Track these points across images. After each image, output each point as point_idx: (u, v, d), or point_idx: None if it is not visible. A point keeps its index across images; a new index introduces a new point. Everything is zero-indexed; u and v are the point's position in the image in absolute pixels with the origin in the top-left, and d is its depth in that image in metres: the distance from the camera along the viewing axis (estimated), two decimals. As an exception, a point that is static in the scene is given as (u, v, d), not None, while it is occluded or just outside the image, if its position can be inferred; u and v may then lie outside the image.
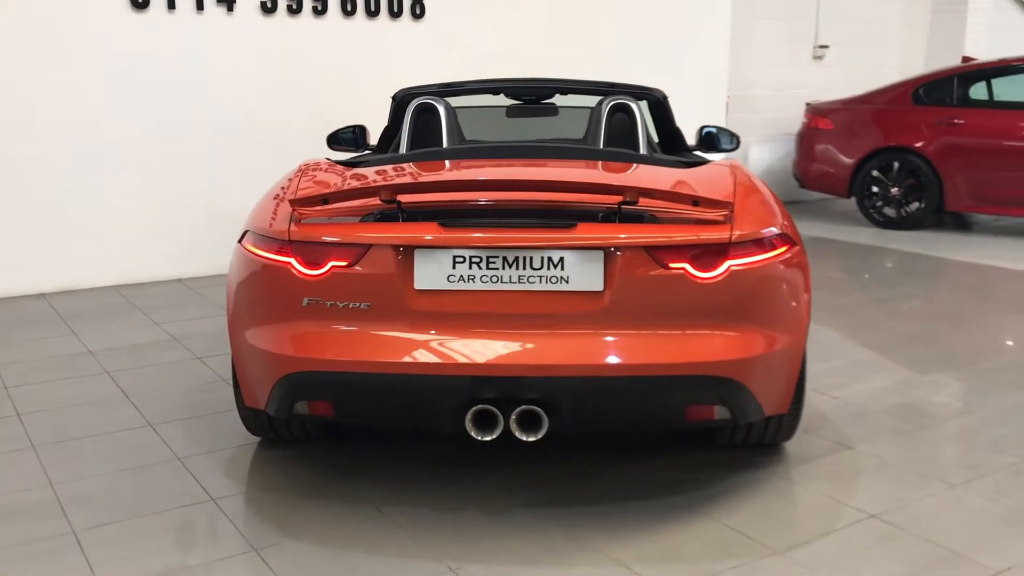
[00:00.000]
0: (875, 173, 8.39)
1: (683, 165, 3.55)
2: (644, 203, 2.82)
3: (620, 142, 3.82)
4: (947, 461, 3.43)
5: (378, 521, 2.99)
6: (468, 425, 2.85)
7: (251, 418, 3.37)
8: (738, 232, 2.83)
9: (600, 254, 2.77)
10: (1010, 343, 5.06)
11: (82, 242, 6.17)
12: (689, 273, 2.78)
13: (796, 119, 9.32)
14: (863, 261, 7.21)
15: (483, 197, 2.87)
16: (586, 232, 2.77)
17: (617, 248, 2.76)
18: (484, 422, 2.84)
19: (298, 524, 2.98)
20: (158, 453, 3.53)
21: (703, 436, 3.50)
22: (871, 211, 8.49)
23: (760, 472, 3.33)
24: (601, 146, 3.77)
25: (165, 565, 2.74)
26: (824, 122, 8.75)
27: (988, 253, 7.30)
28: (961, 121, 8.00)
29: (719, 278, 2.80)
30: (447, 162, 3.48)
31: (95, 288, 6.21)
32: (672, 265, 2.77)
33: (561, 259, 2.78)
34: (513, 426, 2.83)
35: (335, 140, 4.96)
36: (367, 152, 4.96)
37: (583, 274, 2.78)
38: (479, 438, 2.86)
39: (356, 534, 2.91)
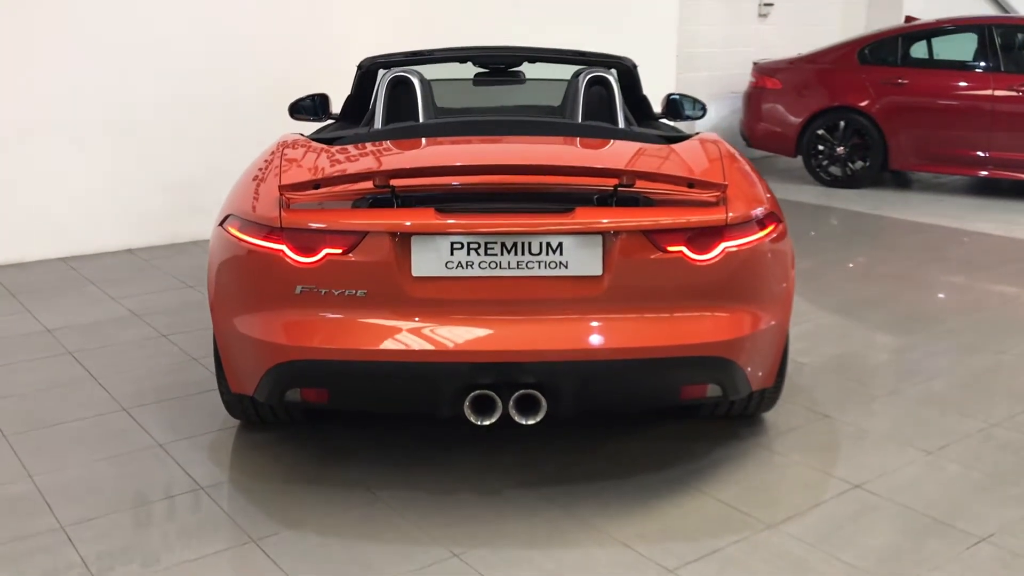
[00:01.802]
0: (821, 132, 8.52)
1: (663, 140, 3.56)
2: (640, 185, 2.82)
3: (598, 115, 3.81)
4: (921, 427, 3.55)
5: (375, 507, 2.99)
6: (466, 410, 2.85)
7: (235, 403, 3.32)
8: (732, 214, 2.85)
9: (599, 239, 2.77)
10: (964, 304, 5.22)
11: (27, 213, 5.96)
12: (686, 256, 2.80)
13: (741, 77, 9.38)
14: (813, 221, 7.34)
15: (479, 181, 2.84)
16: (585, 217, 2.76)
17: (616, 232, 2.76)
18: (483, 407, 2.85)
19: (294, 512, 2.95)
20: (137, 439, 3.46)
21: (686, 408, 3.56)
22: (817, 170, 8.62)
23: (744, 443, 3.40)
24: (579, 120, 3.75)
25: (165, 560, 2.70)
26: (772, 81, 8.83)
27: (932, 211, 7.49)
28: (905, 81, 8.15)
29: (714, 260, 2.83)
30: (436, 143, 3.42)
31: (43, 261, 6.01)
32: (670, 248, 2.79)
33: (560, 244, 2.77)
34: (512, 410, 2.84)
35: (296, 109, 4.83)
36: (330, 122, 4.85)
37: (582, 259, 2.78)
38: (477, 422, 2.86)
39: (355, 521, 2.90)
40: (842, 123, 8.40)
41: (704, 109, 4.91)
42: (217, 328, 3.13)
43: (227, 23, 6.42)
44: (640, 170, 2.79)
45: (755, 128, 9.04)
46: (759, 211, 2.99)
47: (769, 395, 3.36)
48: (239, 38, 6.48)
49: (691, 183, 2.84)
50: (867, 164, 8.37)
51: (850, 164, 8.45)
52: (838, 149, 8.46)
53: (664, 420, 3.54)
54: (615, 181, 2.81)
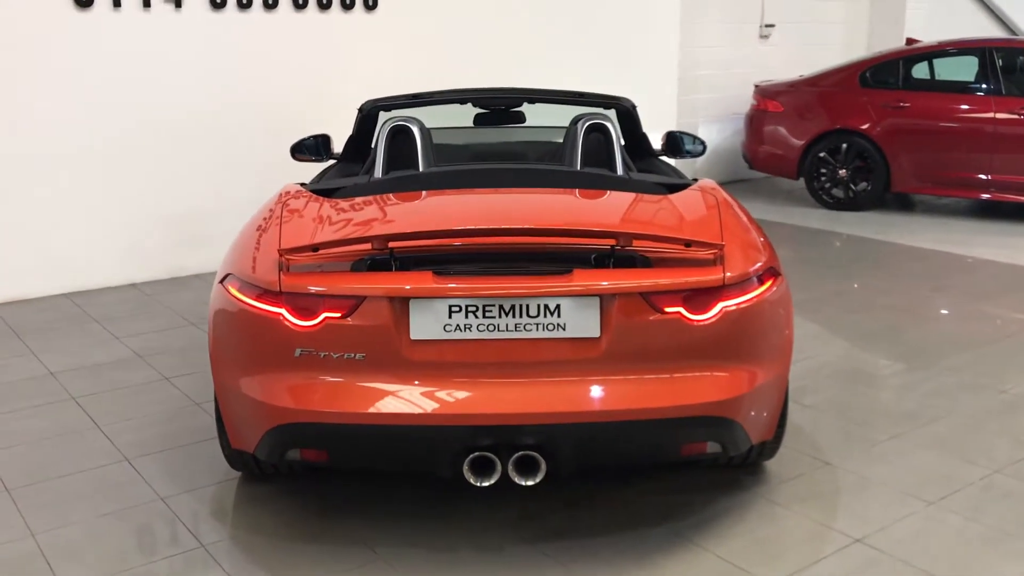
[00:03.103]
0: (823, 155, 8.52)
1: (662, 188, 3.57)
2: (637, 245, 2.83)
3: (597, 160, 3.82)
4: (922, 475, 3.54)
5: (375, 565, 2.99)
6: (466, 471, 2.85)
7: (236, 457, 3.33)
8: (729, 273, 2.86)
9: (596, 300, 2.78)
10: (966, 337, 5.21)
11: (29, 249, 5.98)
12: (684, 316, 2.81)
13: (743, 98, 9.41)
14: (816, 248, 7.34)
15: (477, 242, 2.85)
16: (583, 279, 2.77)
17: (614, 294, 2.77)
18: (482, 468, 2.85)
19: (293, 571, 2.96)
20: (139, 493, 3.47)
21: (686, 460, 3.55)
22: (819, 192, 8.63)
23: (745, 494, 3.40)
24: (578, 167, 3.76)
25: (165, 625, 2.71)
26: (773, 104, 8.84)
27: (936, 237, 7.48)
28: (906, 104, 8.16)
29: (712, 319, 2.83)
30: (434, 197, 3.43)
31: (45, 297, 6.03)
32: (667, 309, 2.79)
33: (558, 306, 2.78)
34: (511, 471, 2.84)
35: (298, 149, 4.86)
36: (332, 162, 4.87)
37: (580, 320, 2.79)
38: (477, 483, 2.87)
39: (354, 582, 2.91)
40: (844, 146, 8.41)
41: (704, 145, 4.93)
42: (217, 385, 3.14)
43: (226, 55, 6.44)
44: (637, 231, 2.80)
45: (757, 151, 9.05)
46: (757, 267, 3.00)
47: (770, 446, 3.36)
48: (239, 70, 6.50)
49: (688, 243, 2.85)
50: (869, 187, 8.37)
51: (852, 186, 8.45)
52: (840, 172, 8.47)
53: (664, 470, 3.54)
54: (612, 242, 2.82)
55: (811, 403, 4.20)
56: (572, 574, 2.93)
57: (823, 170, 8.56)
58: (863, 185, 8.41)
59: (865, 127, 8.29)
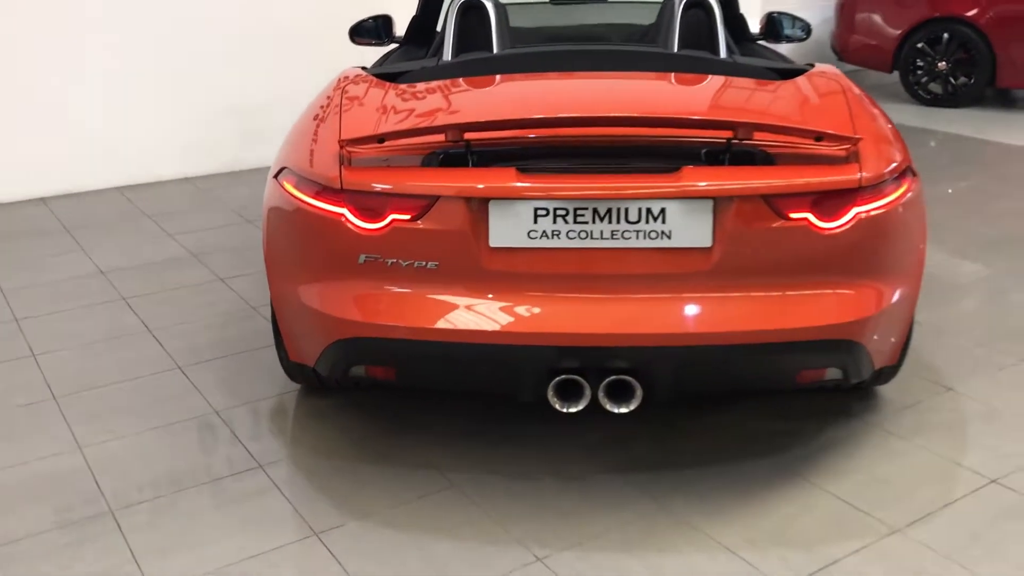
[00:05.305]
0: (921, 45, 7.82)
1: (774, 74, 3.10)
2: (758, 138, 2.40)
3: (696, 42, 3.34)
4: (1058, 404, 3.14)
5: (448, 494, 2.70)
6: (550, 396, 2.53)
7: (295, 370, 3.04)
8: (866, 173, 2.42)
9: (709, 204, 2.37)
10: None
11: (82, 142, 5.72)
12: (811, 224, 2.40)
13: (833, -18, 8.66)
14: (912, 148, 6.73)
15: (568, 134, 2.45)
16: (694, 178, 2.36)
17: (731, 196, 2.36)
18: (569, 393, 2.52)
19: (360, 500, 2.68)
20: (192, 405, 3.22)
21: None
22: (915, 87, 7.96)
23: (857, 423, 3.03)
24: (675, 49, 3.29)
25: (217, 558, 2.46)
26: (868, -11, 8.11)
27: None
28: (1020, -13, 7.40)
29: (844, 227, 2.42)
30: (514, 81, 3.01)
31: (98, 191, 5.79)
32: (792, 215, 2.38)
33: (663, 211, 2.38)
34: (602, 397, 2.51)
35: (357, 32, 4.45)
36: (394, 46, 4.46)
37: (688, 228, 2.38)
38: (562, 410, 2.54)
39: (426, 512, 2.62)
40: (945, 35, 7.69)
41: (807, 29, 4.42)
42: (273, 292, 2.84)
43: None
44: (759, 120, 2.37)
45: (848, 41, 8.36)
46: (893, 166, 2.56)
47: (889, 371, 2.97)
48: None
49: (819, 136, 2.41)
50: (971, 81, 7.68)
51: (952, 80, 7.77)
52: (939, 64, 7.77)
53: (764, 392, 3.17)
54: (729, 134, 2.39)
55: (923, 319, 3.76)
56: (666, 510, 2.61)
57: (920, 63, 7.87)
58: (964, 80, 7.72)
59: (971, 14, 7.55)
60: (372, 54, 4.54)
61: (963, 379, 3.31)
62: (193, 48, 5.90)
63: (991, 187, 5.74)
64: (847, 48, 8.39)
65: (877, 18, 8.11)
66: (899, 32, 7.92)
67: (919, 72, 7.90)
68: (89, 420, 3.13)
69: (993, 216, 5.11)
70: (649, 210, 2.37)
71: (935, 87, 7.87)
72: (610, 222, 2.39)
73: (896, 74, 8.08)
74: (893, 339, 2.70)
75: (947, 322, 3.77)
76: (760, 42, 4.29)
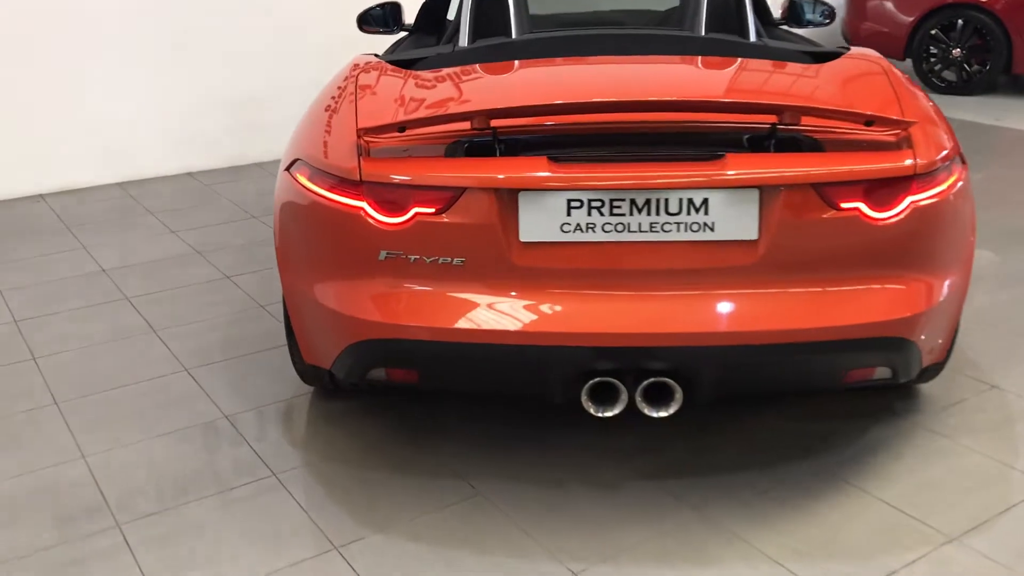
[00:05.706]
0: (935, 32, 7.66)
1: (808, 58, 2.94)
2: (805, 123, 2.25)
3: (724, 25, 3.19)
4: (1108, 401, 2.99)
5: (474, 502, 2.56)
6: (584, 399, 2.38)
7: (309, 372, 2.89)
8: (920, 159, 2.27)
9: (755, 194, 2.22)
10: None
11: (80, 135, 5.56)
12: (863, 214, 2.25)
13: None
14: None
15: (602, 120, 2.29)
16: (738, 166, 2.21)
17: (779, 185, 2.21)
18: (604, 396, 2.37)
19: (380, 510, 2.54)
20: (200, 410, 3.07)
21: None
22: (929, 75, 7.80)
23: (901, 423, 2.89)
24: (703, 31, 3.14)
25: (233, 572, 2.31)
26: (880, -26, 7.95)
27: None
28: (1037, -28, 7.24)
29: (898, 218, 2.27)
30: (539, 67, 2.86)
31: (98, 187, 5.63)
32: (843, 205, 2.23)
33: (705, 201, 2.23)
34: (639, 400, 2.36)
35: (365, 20, 4.29)
36: (403, 35, 4.31)
37: (733, 219, 2.23)
38: (597, 414, 2.39)
39: (452, 523, 2.48)
40: (960, 22, 7.54)
41: (830, 14, 4.27)
42: (286, 291, 2.69)
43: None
44: (806, 104, 2.22)
45: (859, 28, 8.19)
46: (945, 152, 2.41)
47: (934, 369, 2.82)
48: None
49: (869, 120, 2.26)
50: (987, 68, 7.52)
51: (967, 68, 7.61)
52: (954, 51, 7.62)
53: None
54: (774, 119, 2.24)
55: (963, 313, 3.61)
56: (705, 518, 2.47)
57: (934, 50, 7.72)
58: (978, 67, 7.56)
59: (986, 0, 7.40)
60: (378, 44, 4.39)
61: (1007, 375, 3.16)
62: (193, 37, 5.74)
63: (1011, 176, 5.59)
64: (858, 35, 8.22)
65: (889, 4, 7.95)
66: (912, 18, 7.77)
67: (933, 59, 7.75)
68: (93, 427, 2.99)
69: (1014, 205, 4.96)
70: (691, 200, 2.22)
71: (949, 75, 7.72)
72: (649, 214, 2.24)
73: (909, 62, 7.91)
74: (943, 335, 2.56)
75: (984, 316, 3.62)
76: (782, 27, 4.14)
